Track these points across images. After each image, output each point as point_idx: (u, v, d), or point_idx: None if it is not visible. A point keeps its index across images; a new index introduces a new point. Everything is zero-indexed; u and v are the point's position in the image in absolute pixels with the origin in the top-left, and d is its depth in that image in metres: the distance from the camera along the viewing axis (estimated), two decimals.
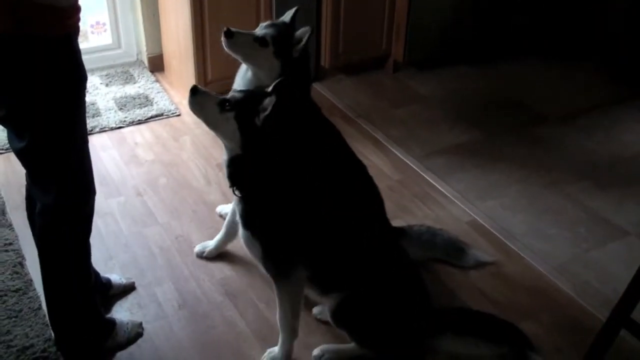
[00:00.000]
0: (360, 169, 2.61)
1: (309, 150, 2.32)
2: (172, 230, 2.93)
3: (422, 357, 2.32)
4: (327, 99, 4.02)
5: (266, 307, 2.53)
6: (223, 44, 2.37)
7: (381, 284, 2.18)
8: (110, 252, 2.78)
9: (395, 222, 2.79)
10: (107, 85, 4.02)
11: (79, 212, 2.08)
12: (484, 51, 4.51)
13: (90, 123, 3.57)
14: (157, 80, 4.11)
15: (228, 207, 2.93)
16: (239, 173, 2.02)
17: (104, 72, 4.15)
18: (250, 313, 2.52)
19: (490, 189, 3.27)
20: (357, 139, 3.57)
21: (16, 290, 2.54)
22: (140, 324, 2.43)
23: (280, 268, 2.16)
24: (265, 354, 2.32)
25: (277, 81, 2.01)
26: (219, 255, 2.77)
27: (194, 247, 2.80)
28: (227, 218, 2.73)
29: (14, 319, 2.42)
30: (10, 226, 2.87)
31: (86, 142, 2.04)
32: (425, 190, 3.26)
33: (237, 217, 2.15)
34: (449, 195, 3.21)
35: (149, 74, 4.18)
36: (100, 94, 3.93)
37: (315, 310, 2.48)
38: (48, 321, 2.33)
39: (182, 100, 3.93)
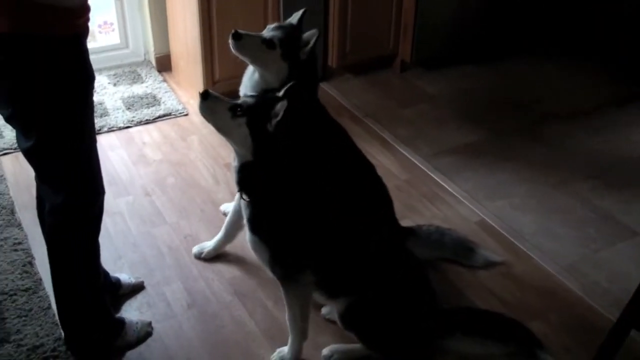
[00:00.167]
0: (369, 169, 2.61)
1: (318, 153, 2.33)
2: (180, 229, 2.93)
3: (431, 358, 2.32)
4: (334, 98, 4.02)
5: (275, 306, 2.53)
6: (231, 46, 2.37)
7: (389, 287, 2.18)
8: (119, 251, 2.79)
9: (404, 222, 2.79)
10: (114, 84, 4.03)
11: (89, 211, 2.09)
12: (491, 50, 4.50)
13: (98, 122, 3.58)
14: (164, 80, 4.12)
15: (232, 206, 2.94)
16: (250, 179, 2.01)
17: (112, 72, 4.15)
18: (259, 312, 2.52)
19: (498, 188, 3.26)
20: (364, 138, 3.57)
21: (26, 290, 2.55)
22: (150, 323, 2.43)
23: (288, 272, 2.16)
24: (275, 353, 2.32)
25: (288, 85, 2.01)
26: (228, 255, 2.78)
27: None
28: (227, 219, 2.73)
29: (24, 318, 2.43)
30: (19, 226, 2.87)
31: (94, 141, 2.04)
32: (433, 190, 3.26)
33: (244, 221, 2.15)
34: (457, 195, 3.21)
35: (157, 73, 4.18)
36: (108, 94, 3.93)
37: (324, 310, 2.48)
38: (58, 320, 2.34)
39: (189, 100, 3.94)
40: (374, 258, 2.18)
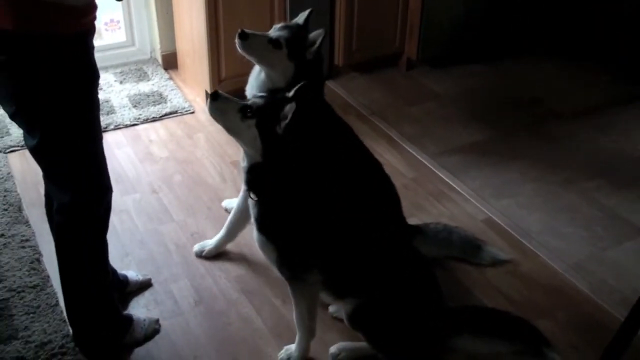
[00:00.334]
0: (376, 167, 2.62)
1: (325, 152, 2.33)
2: (187, 227, 2.94)
3: (439, 357, 2.31)
4: (340, 97, 4.02)
5: (282, 304, 2.53)
6: (237, 45, 2.38)
7: (397, 288, 2.17)
8: (126, 249, 2.80)
9: (411, 220, 2.79)
10: (121, 82, 4.04)
11: (95, 209, 2.09)
12: (497, 49, 4.49)
13: (104, 120, 3.58)
14: (170, 78, 4.12)
15: (234, 202, 2.93)
16: (259, 179, 2.01)
17: (118, 70, 4.16)
18: (266, 310, 2.52)
19: (505, 187, 3.26)
20: (371, 137, 3.57)
21: (34, 287, 2.56)
22: (157, 320, 2.44)
23: (295, 272, 2.16)
24: (282, 351, 2.33)
25: (299, 86, 2.01)
26: (235, 252, 2.78)
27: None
28: (230, 218, 2.73)
29: (32, 315, 2.44)
30: (27, 223, 2.88)
31: (100, 139, 2.04)
32: (440, 188, 3.26)
33: (252, 220, 2.15)
34: (463, 193, 3.21)
35: (163, 71, 4.19)
36: (114, 92, 3.94)
37: (331, 308, 2.48)
38: (66, 317, 2.34)
39: (195, 98, 3.94)
40: (381, 257, 2.18)
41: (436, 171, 3.37)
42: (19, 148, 3.37)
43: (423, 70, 4.34)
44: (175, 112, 3.80)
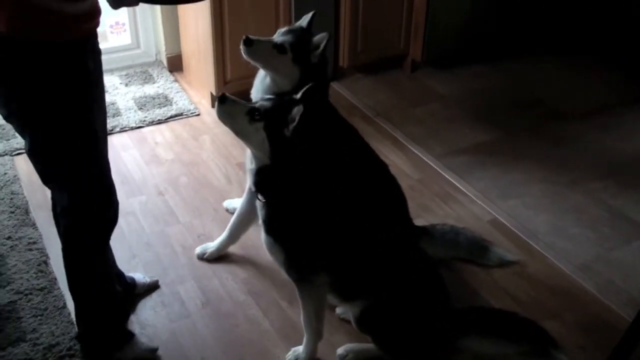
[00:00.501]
0: (382, 168, 2.62)
1: (331, 154, 2.33)
2: (193, 229, 2.94)
3: (446, 358, 2.31)
4: (345, 98, 4.02)
5: (289, 306, 2.53)
6: (242, 52, 2.39)
7: (404, 290, 2.17)
8: (133, 250, 2.80)
9: (417, 221, 2.78)
10: (126, 85, 4.04)
11: (100, 210, 2.07)
12: (502, 50, 4.49)
13: (110, 123, 3.59)
14: (176, 80, 4.13)
15: (235, 202, 2.96)
16: (267, 182, 2.01)
17: (123, 72, 4.17)
18: (273, 312, 2.53)
19: (511, 187, 3.26)
20: (376, 138, 3.57)
21: (41, 289, 2.56)
22: (155, 350, 2.36)
23: (303, 274, 2.16)
24: (290, 352, 2.33)
25: (306, 88, 2.01)
26: (241, 254, 2.79)
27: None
28: (232, 220, 2.73)
29: (39, 317, 2.44)
30: (34, 225, 2.89)
31: (97, 142, 1.98)
32: (446, 189, 3.25)
33: (260, 222, 2.15)
34: (469, 194, 3.21)
35: (168, 73, 4.19)
36: (119, 94, 3.95)
37: (338, 309, 2.48)
38: (73, 319, 2.34)
39: (201, 100, 3.95)
40: (388, 259, 2.18)
41: (442, 172, 3.37)
42: (24, 151, 3.37)
43: (428, 72, 4.34)
44: (181, 114, 3.80)
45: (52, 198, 2.21)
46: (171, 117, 3.78)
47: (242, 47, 2.37)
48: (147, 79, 4.13)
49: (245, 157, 2.68)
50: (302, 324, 2.26)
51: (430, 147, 3.56)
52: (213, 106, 3.86)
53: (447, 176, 3.34)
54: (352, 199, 2.22)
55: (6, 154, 3.37)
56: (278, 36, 2.42)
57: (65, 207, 2.04)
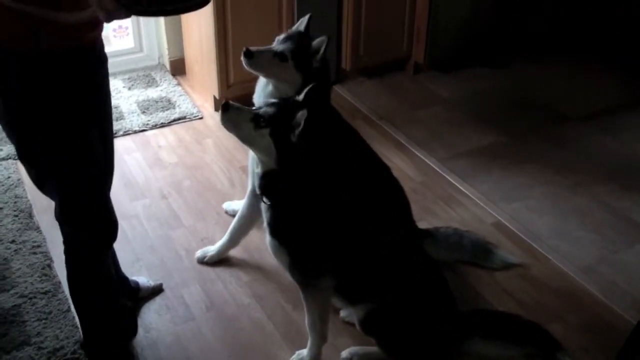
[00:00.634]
0: (385, 171, 2.62)
1: (334, 157, 2.33)
2: (197, 232, 2.94)
3: None
4: (348, 101, 4.03)
5: (293, 309, 2.53)
6: (243, 63, 2.40)
7: (408, 293, 2.18)
8: (136, 254, 2.80)
9: (420, 224, 2.79)
10: (129, 88, 4.05)
11: (93, 225, 2.03)
12: (504, 52, 4.49)
13: (114, 126, 3.58)
14: (178, 84, 4.14)
15: (234, 204, 2.98)
16: (272, 185, 2.01)
17: (126, 76, 4.18)
18: (277, 315, 2.53)
19: (514, 190, 3.26)
20: (379, 141, 3.58)
21: (45, 293, 2.57)
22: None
23: (307, 277, 2.16)
24: (294, 356, 2.33)
25: (308, 88, 2.02)
26: (245, 257, 2.79)
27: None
28: (233, 224, 2.73)
29: (43, 321, 2.44)
30: (37, 229, 2.89)
31: (86, 148, 1.91)
32: (449, 192, 3.26)
33: (264, 225, 2.15)
34: (473, 197, 3.21)
35: (171, 77, 4.20)
36: (123, 97, 3.95)
37: (342, 312, 2.49)
38: (78, 323, 2.35)
39: (204, 104, 3.96)
40: (392, 261, 2.18)
41: (445, 175, 3.37)
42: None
43: (430, 75, 4.34)
44: (184, 117, 3.81)
45: None
46: (174, 120, 3.79)
47: (242, 59, 2.39)
48: (150, 82, 4.13)
49: (248, 160, 2.70)
50: (307, 327, 2.27)
51: (433, 150, 3.57)
52: (216, 109, 3.87)
53: (450, 179, 3.34)
54: (356, 201, 2.22)
55: (9, 158, 3.37)
56: (277, 44, 2.43)
57: (58, 215, 2.02)
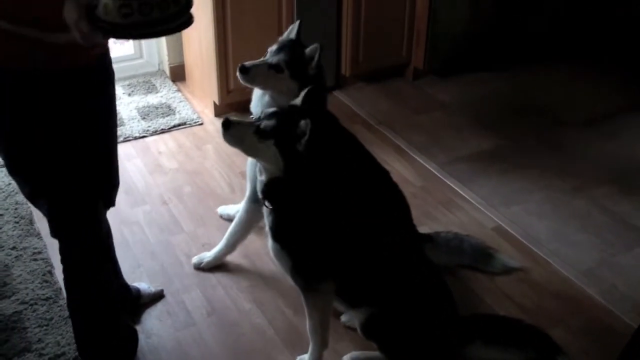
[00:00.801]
0: (384, 176, 2.63)
1: (335, 162, 2.34)
2: (198, 238, 2.95)
3: None
4: (348, 106, 4.04)
5: (294, 314, 2.54)
6: (240, 79, 2.43)
7: (409, 297, 2.18)
8: (137, 260, 2.81)
9: (421, 229, 2.79)
10: (129, 95, 4.06)
11: (79, 234, 2.02)
12: (504, 57, 4.50)
13: None
14: (178, 90, 4.15)
15: (229, 209, 3.00)
16: (276, 191, 2.02)
17: (126, 82, 4.18)
18: (278, 320, 2.53)
19: (514, 195, 3.26)
20: (379, 146, 3.58)
21: (46, 299, 2.57)
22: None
23: (309, 281, 2.17)
24: None
25: (305, 92, 2.03)
26: (245, 262, 2.79)
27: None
28: (230, 229, 2.73)
29: (45, 328, 2.45)
30: (38, 235, 2.90)
31: (77, 165, 1.89)
32: (449, 196, 3.26)
33: (266, 229, 2.16)
34: (473, 201, 3.21)
35: (171, 83, 4.21)
36: (123, 104, 3.96)
37: (343, 317, 2.49)
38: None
39: (204, 109, 3.96)
40: (393, 266, 2.19)
41: (445, 180, 3.38)
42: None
43: (430, 80, 4.35)
44: (184, 123, 3.82)
45: None
46: (174, 126, 3.79)
47: (238, 74, 2.42)
48: (150, 88, 4.14)
49: (246, 166, 2.70)
50: (308, 332, 2.27)
51: (433, 154, 3.57)
52: (216, 115, 3.88)
53: (450, 184, 3.35)
54: (357, 206, 2.23)
55: None
56: (271, 56, 2.45)
57: (50, 229, 2.02)
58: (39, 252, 2.79)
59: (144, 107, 3.94)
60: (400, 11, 4.10)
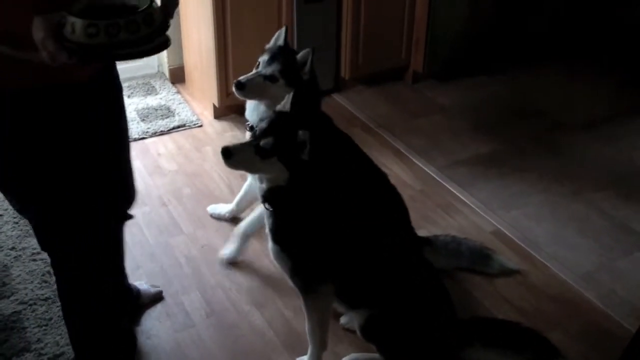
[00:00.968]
0: (381, 178, 2.63)
1: (332, 164, 2.35)
2: (197, 239, 2.95)
3: None
4: (347, 109, 4.04)
5: (293, 316, 2.54)
6: (236, 94, 2.47)
7: (408, 299, 2.18)
8: (137, 261, 2.81)
9: (419, 232, 2.79)
10: (129, 96, 4.06)
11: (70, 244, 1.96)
12: (503, 61, 4.52)
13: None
14: (178, 92, 4.15)
15: (220, 207, 3.09)
16: (278, 198, 2.03)
17: (126, 84, 4.18)
18: (277, 322, 2.53)
19: (513, 198, 3.27)
20: (378, 149, 3.59)
21: (45, 299, 2.57)
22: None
23: (308, 283, 2.17)
24: None
25: (289, 96, 2.06)
26: (245, 264, 2.80)
27: (220, 256, 2.82)
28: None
29: (44, 328, 2.45)
30: None
31: (55, 181, 1.80)
32: (448, 200, 3.27)
33: (266, 231, 2.16)
34: (471, 205, 3.22)
35: (170, 85, 4.22)
36: None
37: (342, 319, 2.49)
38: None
39: (203, 112, 3.97)
40: (391, 267, 2.19)
41: (444, 183, 3.38)
42: None
43: (429, 83, 4.36)
44: (184, 125, 3.82)
45: None
46: (174, 128, 3.80)
47: (234, 90, 2.46)
48: (150, 90, 4.15)
49: None
50: (307, 334, 2.27)
51: (432, 158, 3.58)
52: (216, 117, 3.89)
53: (449, 187, 3.35)
54: (356, 208, 2.23)
55: None
56: (264, 67, 2.48)
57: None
58: (38, 253, 2.79)
59: (143, 108, 3.95)
60: (399, 14, 4.11)
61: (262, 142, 1.94)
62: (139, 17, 1.45)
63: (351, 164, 2.56)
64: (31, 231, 2.87)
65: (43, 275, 2.68)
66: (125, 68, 4.24)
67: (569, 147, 3.74)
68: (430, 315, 2.21)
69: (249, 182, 2.92)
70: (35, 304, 2.55)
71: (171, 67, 4.24)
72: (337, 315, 2.46)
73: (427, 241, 2.72)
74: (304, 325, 2.27)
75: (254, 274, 2.76)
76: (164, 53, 4.19)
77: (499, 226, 3.07)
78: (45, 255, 2.75)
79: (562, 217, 3.15)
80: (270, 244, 2.14)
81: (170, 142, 3.69)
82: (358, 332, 2.24)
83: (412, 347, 2.22)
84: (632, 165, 3.59)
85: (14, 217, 2.99)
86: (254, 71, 2.50)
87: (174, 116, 3.90)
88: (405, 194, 2.78)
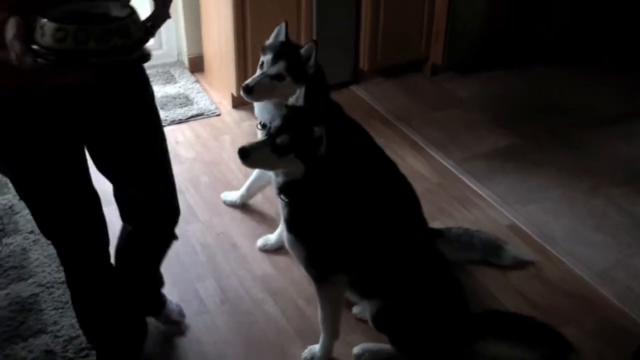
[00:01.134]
0: (391, 167, 2.63)
1: (344, 154, 2.35)
2: (213, 227, 2.97)
3: None
4: (365, 102, 4.04)
5: (306, 304, 2.55)
6: (245, 98, 2.49)
7: (421, 290, 2.18)
8: None
9: (434, 224, 2.80)
10: None
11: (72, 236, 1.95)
12: (522, 55, 4.48)
13: None
14: (197, 81, 4.17)
15: (233, 194, 3.10)
16: (292, 188, 2.04)
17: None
18: (291, 310, 2.55)
19: (530, 193, 3.25)
20: (396, 141, 3.59)
21: (62, 282, 2.60)
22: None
23: (322, 272, 2.18)
24: (306, 351, 2.34)
25: (302, 91, 2.06)
26: (259, 253, 2.82)
27: (235, 244, 2.85)
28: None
29: (60, 310, 2.48)
30: None
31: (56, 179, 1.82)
32: (465, 193, 3.26)
33: (282, 221, 2.17)
34: (488, 198, 3.20)
35: (189, 74, 4.23)
36: None
37: (355, 309, 2.50)
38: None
39: (222, 101, 3.98)
40: (404, 259, 2.19)
41: (461, 176, 3.37)
42: None
43: (448, 76, 4.34)
44: (202, 114, 3.84)
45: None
46: (192, 117, 3.82)
47: (243, 94, 2.48)
48: (169, 79, 4.17)
49: None
50: (319, 322, 2.28)
51: (450, 151, 3.57)
52: (234, 107, 3.90)
53: (466, 180, 3.34)
54: (369, 198, 2.24)
55: None
56: (269, 66, 2.48)
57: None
58: None
59: (162, 97, 3.97)
60: (419, 7, 4.09)
61: (278, 140, 1.95)
62: (113, 27, 1.39)
63: (361, 153, 2.56)
64: None
65: None
66: None
67: (587, 142, 3.70)
68: (442, 307, 2.21)
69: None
70: (52, 286, 2.59)
71: (190, 56, 4.26)
72: (350, 305, 2.47)
73: (440, 233, 2.72)
74: (317, 314, 2.28)
75: (267, 263, 2.77)
76: (184, 42, 4.22)
77: (515, 220, 3.06)
78: None
79: (579, 212, 3.13)
80: (285, 233, 2.15)
81: (188, 130, 3.71)
82: (370, 322, 2.25)
83: (424, 338, 2.22)
84: None
85: None
86: (258, 72, 2.51)
87: (192, 105, 3.91)
88: (422, 187, 2.78)
